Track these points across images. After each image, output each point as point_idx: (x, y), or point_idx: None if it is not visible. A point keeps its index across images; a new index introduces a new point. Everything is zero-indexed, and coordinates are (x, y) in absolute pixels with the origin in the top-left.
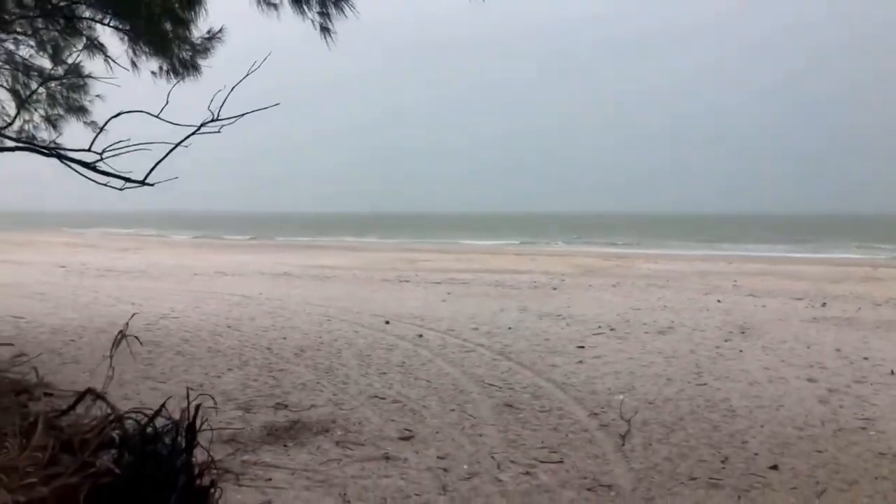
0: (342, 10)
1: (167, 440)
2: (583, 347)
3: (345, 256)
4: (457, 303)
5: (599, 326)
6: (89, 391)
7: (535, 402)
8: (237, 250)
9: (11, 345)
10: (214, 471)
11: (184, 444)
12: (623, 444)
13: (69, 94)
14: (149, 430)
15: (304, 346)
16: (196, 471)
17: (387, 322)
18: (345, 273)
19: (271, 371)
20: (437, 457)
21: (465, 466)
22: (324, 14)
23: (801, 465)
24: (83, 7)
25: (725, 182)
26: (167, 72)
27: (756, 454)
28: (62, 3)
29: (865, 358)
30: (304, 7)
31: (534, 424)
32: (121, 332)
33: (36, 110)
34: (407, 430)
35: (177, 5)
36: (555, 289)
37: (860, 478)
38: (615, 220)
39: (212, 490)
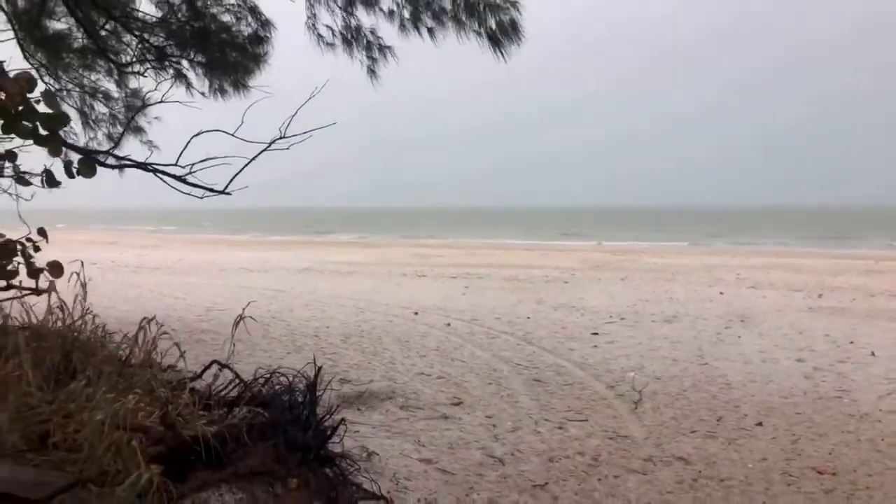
0: (385, 55)
1: (294, 395)
2: (597, 334)
3: (359, 253)
4: (476, 295)
5: (611, 316)
6: (214, 362)
7: (558, 377)
8: (250, 247)
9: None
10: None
11: (308, 397)
12: (636, 409)
13: (129, 115)
14: (267, 388)
15: (348, 334)
16: (320, 416)
17: (415, 313)
18: (363, 268)
19: (325, 354)
20: (485, 416)
21: (509, 423)
22: (371, 58)
23: (781, 423)
24: (173, 48)
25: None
26: (217, 90)
27: (745, 415)
28: (158, 46)
29: (851, 342)
30: (354, 49)
31: (560, 394)
32: (240, 315)
33: (100, 129)
34: (456, 398)
35: (247, 43)
36: (566, 282)
37: (829, 431)
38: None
39: (338, 429)
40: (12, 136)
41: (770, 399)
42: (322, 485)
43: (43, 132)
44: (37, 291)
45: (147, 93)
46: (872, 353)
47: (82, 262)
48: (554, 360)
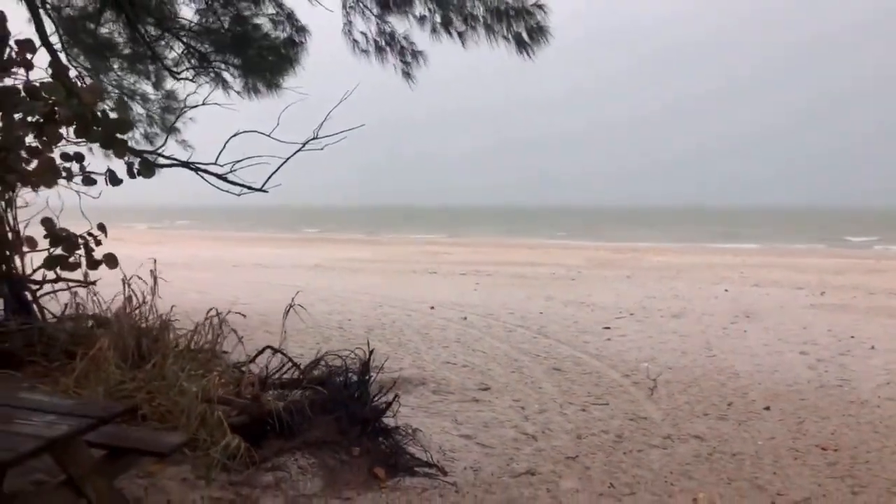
0: (417, 59)
1: (348, 376)
2: (608, 328)
3: (367, 250)
4: (487, 292)
5: (620, 312)
6: (268, 347)
7: (576, 367)
8: (258, 244)
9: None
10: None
11: (361, 378)
12: (652, 395)
13: (164, 115)
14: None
15: (370, 326)
16: (372, 395)
17: (432, 307)
18: (372, 265)
19: (353, 344)
20: (513, 400)
21: (536, 406)
22: (405, 62)
23: (787, 407)
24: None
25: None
26: (250, 90)
27: (754, 400)
28: (201, 51)
29: (852, 336)
30: (388, 54)
31: (580, 382)
32: (290, 304)
33: (138, 129)
34: (483, 384)
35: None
36: (573, 279)
37: (831, 415)
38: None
39: (391, 404)
40: (83, 140)
41: (776, 387)
42: (381, 453)
43: (109, 137)
44: (85, 283)
45: (187, 95)
46: (872, 347)
47: (155, 260)
48: (570, 352)
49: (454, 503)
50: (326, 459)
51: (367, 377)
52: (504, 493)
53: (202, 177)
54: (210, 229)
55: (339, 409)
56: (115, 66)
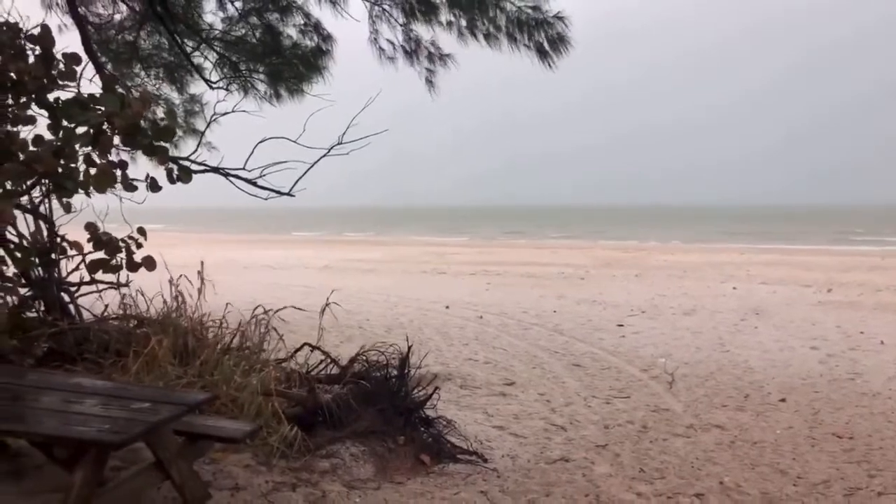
0: (446, 63)
1: (389, 370)
2: (622, 326)
3: (374, 251)
4: (499, 291)
5: (632, 310)
6: (306, 344)
7: (595, 363)
8: (264, 245)
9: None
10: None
11: (397, 372)
12: (671, 388)
13: (187, 119)
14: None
15: (390, 326)
16: (412, 386)
17: (447, 307)
18: (382, 266)
19: (374, 343)
20: (539, 394)
21: (562, 399)
22: (429, 70)
23: (802, 399)
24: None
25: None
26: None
27: (769, 393)
28: (234, 60)
29: (861, 332)
30: (415, 61)
31: (600, 377)
32: (326, 304)
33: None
34: (507, 379)
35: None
36: (582, 279)
37: (845, 406)
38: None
39: (432, 395)
40: (128, 148)
41: (790, 381)
42: (424, 442)
43: (153, 144)
44: (118, 285)
45: (217, 102)
46: (882, 342)
47: (202, 262)
48: (587, 349)
49: (498, 486)
50: (375, 447)
51: (406, 371)
52: (542, 478)
53: (231, 181)
54: (212, 232)
55: (382, 401)
56: (144, 74)
